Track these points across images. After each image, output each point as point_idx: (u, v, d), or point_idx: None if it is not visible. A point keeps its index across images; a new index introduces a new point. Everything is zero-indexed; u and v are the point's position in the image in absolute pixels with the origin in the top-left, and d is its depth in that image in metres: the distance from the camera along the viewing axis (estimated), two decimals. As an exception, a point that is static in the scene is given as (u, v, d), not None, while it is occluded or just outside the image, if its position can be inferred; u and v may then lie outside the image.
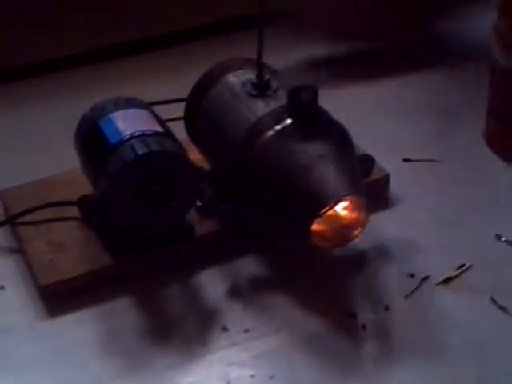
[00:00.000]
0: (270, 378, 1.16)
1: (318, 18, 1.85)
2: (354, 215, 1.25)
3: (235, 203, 1.30)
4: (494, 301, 1.25)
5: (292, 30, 1.82)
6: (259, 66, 1.32)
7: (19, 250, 1.33)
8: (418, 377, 1.16)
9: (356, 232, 1.26)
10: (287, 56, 1.64)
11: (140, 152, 1.24)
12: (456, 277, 1.29)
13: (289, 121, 1.26)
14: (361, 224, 1.25)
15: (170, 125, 1.34)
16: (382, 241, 1.35)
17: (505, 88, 1.48)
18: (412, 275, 1.29)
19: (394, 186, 1.44)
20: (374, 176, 1.38)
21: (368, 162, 1.35)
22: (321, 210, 1.20)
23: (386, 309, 1.25)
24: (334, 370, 1.18)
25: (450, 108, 1.64)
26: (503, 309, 1.24)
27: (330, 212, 1.21)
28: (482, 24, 1.52)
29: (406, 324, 1.23)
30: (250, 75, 1.34)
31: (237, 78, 1.36)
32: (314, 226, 1.22)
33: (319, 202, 1.20)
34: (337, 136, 1.27)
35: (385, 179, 1.43)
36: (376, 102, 1.66)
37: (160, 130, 1.29)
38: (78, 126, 1.34)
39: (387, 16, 1.88)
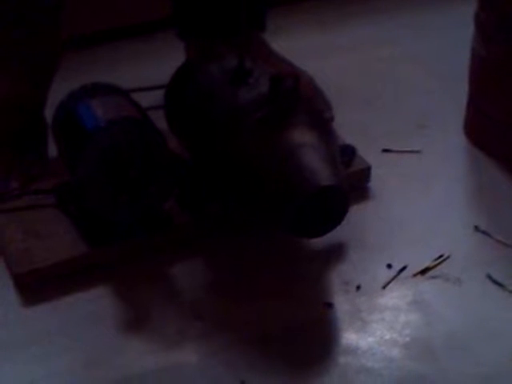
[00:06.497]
0: (247, 366, 1.15)
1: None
2: None
3: (215, 193, 1.29)
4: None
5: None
6: (241, 53, 1.31)
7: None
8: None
9: None
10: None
11: (117, 139, 1.23)
12: (433, 267, 1.29)
13: (270, 109, 1.25)
14: None
15: (151, 112, 1.33)
16: (360, 231, 1.34)
17: (483, 78, 1.48)
18: (390, 265, 1.29)
19: (373, 177, 1.43)
20: (355, 167, 1.37)
21: (349, 152, 1.34)
22: (300, 199, 1.19)
23: (364, 299, 1.24)
24: (312, 360, 1.17)
25: (431, 98, 1.64)
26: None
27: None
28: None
29: (384, 314, 1.23)
30: (231, 63, 1.33)
31: (218, 66, 1.35)
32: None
33: (298, 191, 1.20)
34: (318, 124, 1.26)
35: (366, 170, 1.42)
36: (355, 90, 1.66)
37: (138, 117, 1.28)
38: (55, 112, 1.33)
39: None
